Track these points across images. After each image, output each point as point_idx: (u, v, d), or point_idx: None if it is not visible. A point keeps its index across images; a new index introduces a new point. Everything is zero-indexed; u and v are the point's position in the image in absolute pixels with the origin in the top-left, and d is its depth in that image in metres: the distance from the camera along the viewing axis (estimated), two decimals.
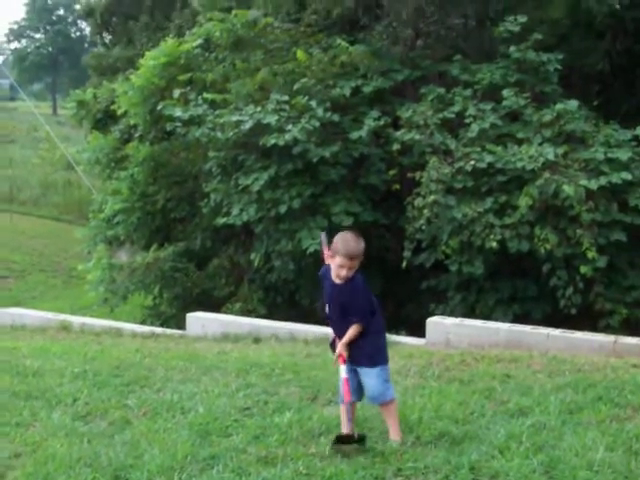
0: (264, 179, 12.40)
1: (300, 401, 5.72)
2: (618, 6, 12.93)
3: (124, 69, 21.49)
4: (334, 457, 4.43)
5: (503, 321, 10.28)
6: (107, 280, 14.79)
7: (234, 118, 12.68)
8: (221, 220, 13.22)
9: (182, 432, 4.98)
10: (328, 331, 4.83)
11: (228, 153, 13.33)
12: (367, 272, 4.71)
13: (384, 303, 4.88)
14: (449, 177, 11.65)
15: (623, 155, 11.39)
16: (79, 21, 78.34)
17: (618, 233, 11.27)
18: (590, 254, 10.80)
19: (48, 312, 13.23)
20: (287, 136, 12.04)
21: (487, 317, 11.05)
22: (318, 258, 9.35)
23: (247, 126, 12.43)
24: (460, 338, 8.47)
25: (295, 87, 13.03)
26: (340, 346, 4.63)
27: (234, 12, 14.94)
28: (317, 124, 12.27)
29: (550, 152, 11.39)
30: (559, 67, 12.78)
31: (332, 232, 4.83)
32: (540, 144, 11.75)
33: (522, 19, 13.00)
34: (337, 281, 4.63)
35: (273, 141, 12.08)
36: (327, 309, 4.78)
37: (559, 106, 12.12)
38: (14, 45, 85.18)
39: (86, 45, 72.57)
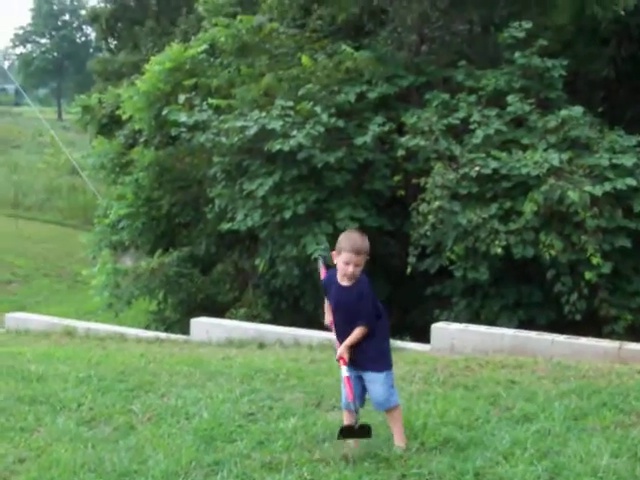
0: (269, 184, 12.40)
1: (304, 407, 5.72)
2: (623, 12, 12.91)
3: (129, 74, 21.49)
4: (338, 463, 4.42)
5: (508, 327, 10.26)
6: (112, 285, 14.80)
7: (239, 123, 12.69)
8: (226, 225, 13.22)
9: (186, 437, 4.98)
10: (332, 337, 4.81)
11: (233, 158, 13.33)
12: (372, 278, 4.69)
13: (389, 309, 4.87)
14: (454, 183, 11.65)
15: (628, 161, 11.40)
16: (84, 26, 78.61)
17: (623, 239, 11.28)
18: (595, 260, 10.81)
19: (53, 317, 13.24)
20: (292, 142, 12.04)
21: (492, 323, 11.03)
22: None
23: (252, 131, 12.44)
24: (465, 344, 8.45)
25: (300, 93, 13.04)
26: (342, 347, 4.57)
27: (239, 17, 14.93)
28: (322, 130, 12.27)
29: (555, 158, 11.39)
30: (564, 73, 12.76)
31: (335, 240, 4.82)
32: (545, 150, 11.74)
33: (527, 25, 12.96)
34: (344, 283, 4.61)
35: (278, 146, 12.08)
36: (332, 315, 4.75)
37: (564, 112, 12.12)
38: (19, 50, 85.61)
39: (91, 50, 72.52)
